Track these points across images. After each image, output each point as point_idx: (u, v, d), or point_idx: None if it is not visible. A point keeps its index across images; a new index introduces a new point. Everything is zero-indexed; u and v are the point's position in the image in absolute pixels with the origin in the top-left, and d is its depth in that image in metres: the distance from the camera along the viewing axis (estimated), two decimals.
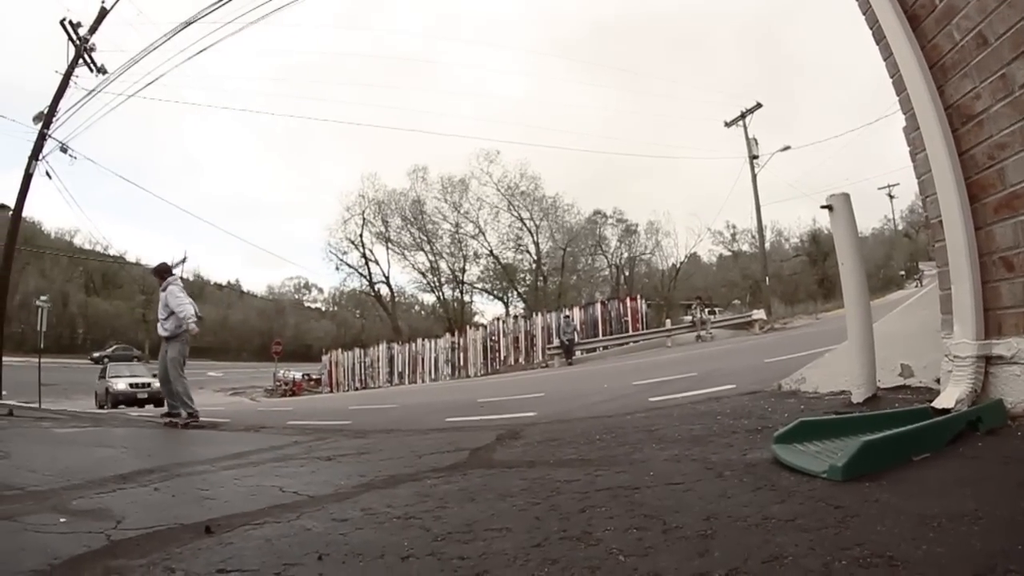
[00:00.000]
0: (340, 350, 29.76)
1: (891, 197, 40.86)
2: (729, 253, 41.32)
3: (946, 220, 2.10)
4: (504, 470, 2.60)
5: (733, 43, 64.70)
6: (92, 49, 16.00)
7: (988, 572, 1.05)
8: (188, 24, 14.19)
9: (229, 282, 70.63)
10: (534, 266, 36.65)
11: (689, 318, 23.71)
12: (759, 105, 27.23)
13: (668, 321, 21.92)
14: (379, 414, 8.05)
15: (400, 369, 26.47)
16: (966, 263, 2.01)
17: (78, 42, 15.62)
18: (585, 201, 60.32)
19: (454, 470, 2.70)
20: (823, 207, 3.04)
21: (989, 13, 1.87)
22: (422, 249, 37.19)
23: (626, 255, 35.90)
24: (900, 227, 43.14)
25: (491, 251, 36.91)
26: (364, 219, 36.96)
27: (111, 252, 54.72)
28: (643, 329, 22.51)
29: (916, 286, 26.34)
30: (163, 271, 7.72)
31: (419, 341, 26.93)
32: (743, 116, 27.44)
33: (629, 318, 23.29)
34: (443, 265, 37.38)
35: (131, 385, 19.46)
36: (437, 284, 37.56)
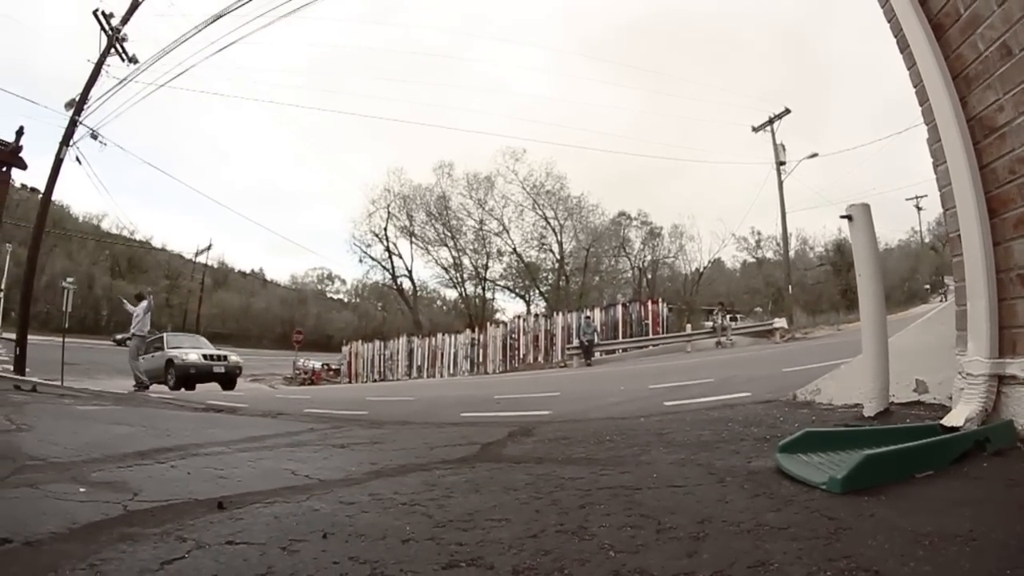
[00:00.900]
0: (360, 341, 30.11)
1: (919, 209, 39.93)
2: (753, 260, 40.80)
3: (964, 234, 2.05)
4: (512, 465, 2.63)
5: (762, 46, 63.72)
6: (124, 39, 16.43)
7: None
8: (219, 17, 14.48)
9: (253, 270, 72.19)
10: (557, 265, 36.58)
11: (710, 323, 23.48)
12: (787, 111, 26.84)
13: (689, 326, 21.70)
14: (396, 406, 8.13)
15: (419, 363, 26.71)
16: (982, 279, 1.96)
17: (110, 32, 16.04)
18: (610, 202, 59.99)
19: (463, 463, 2.75)
20: (843, 216, 2.99)
21: (1014, 23, 1.82)
22: (445, 245, 37.45)
23: (649, 258, 35.61)
24: (927, 240, 42.10)
25: (514, 249, 36.99)
26: (389, 213, 37.37)
27: (137, 237, 56.10)
28: (663, 333, 22.34)
29: (941, 300, 25.62)
30: (140, 296, 13.15)
31: (439, 336, 27.11)
32: (771, 121, 27.01)
33: (650, 321, 23.13)
34: (466, 261, 37.58)
35: (206, 357, 16.52)
36: (459, 280, 37.80)
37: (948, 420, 1.93)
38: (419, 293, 41.70)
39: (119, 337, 40.31)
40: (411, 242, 37.76)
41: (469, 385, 13.44)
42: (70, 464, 2.63)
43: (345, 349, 29.96)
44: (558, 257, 36.51)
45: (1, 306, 35.01)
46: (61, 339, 16.75)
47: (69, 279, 18.41)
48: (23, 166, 12.26)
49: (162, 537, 1.55)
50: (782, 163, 26.54)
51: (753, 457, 2.20)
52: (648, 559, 1.29)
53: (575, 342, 21.27)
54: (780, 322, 20.62)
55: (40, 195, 16.87)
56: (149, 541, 1.52)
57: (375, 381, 26.31)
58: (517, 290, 38.56)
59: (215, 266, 61.00)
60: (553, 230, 36.46)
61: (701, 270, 32.63)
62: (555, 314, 25.72)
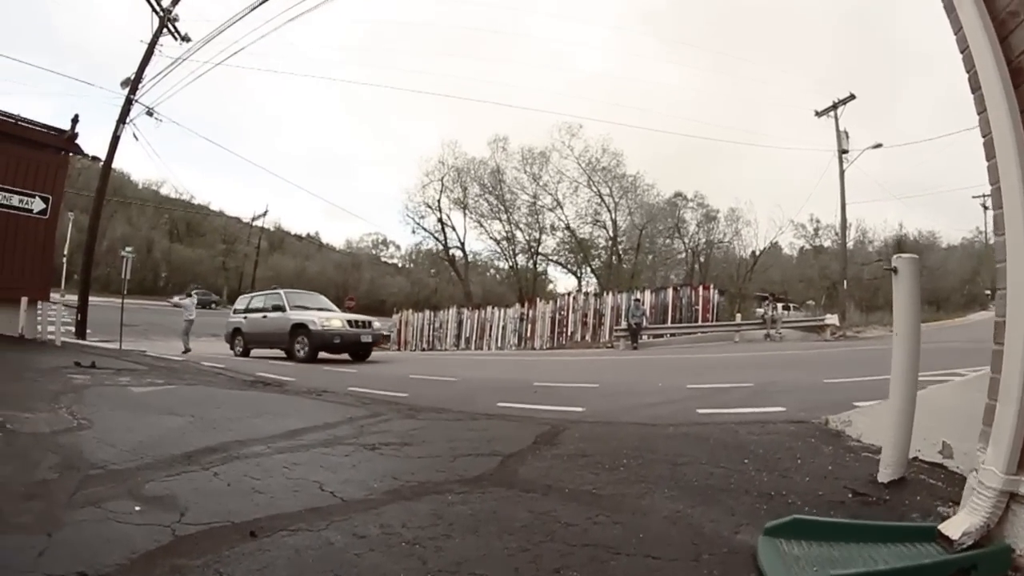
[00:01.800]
0: (411, 310, 30.65)
1: (985, 208, 36.71)
2: (810, 247, 39.12)
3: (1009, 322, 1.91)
4: (520, 494, 2.73)
5: (828, 26, 59.27)
6: (175, 19, 17.07)
7: None
8: None
9: (308, 234, 73.72)
10: (610, 243, 36.09)
11: (761, 311, 22.80)
12: (852, 96, 25.18)
13: (739, 315, 21.13)
14: (437, 387, 8.38)
15: (467, 335, 27.11)
16: (1019, 382, 1.80)
17: (161, 13, 16.67)
18: (666, 182, 58.53)
19: (476, 485, 2.89)
20: (887, 269, 2.86)
21: None
22: (498, 218, 37.39)
23: (704, 240, 34.56)
24: (991, 241, 39.03)
25: (567, 225, 36.64)
26: (443, 185, 37.43)
27: (195, 201, 58.32)
28: (713, 320, 21.84)
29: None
30: (189, 294, 17.76)
31: (489, 309, 27.41)
32: (835, 107, 25.40)
33: (700, 307, 22.63)
34: (519, 235, 37.50)
35: (352, 323, 13.16)
36: (512, 253, 37.83)
37: (946, 527, 1.82)
38: (472, 261, 42.05)
39: (175, 300, 43.33)
40: (464, 214, 37.94)
41: (512, 366, 13.62)
42: (126, 473, 2.91)
43: (396, 317, 30.56)
44: (611, 235, 35.96)
45: (65, 269, 37.96)
46: (120, 302, 17.96)
47: (128, 248, 18.93)
48: (80, 152, 13.53)
49: (203, 571, 1.79)
50: (844, 151, 24.97)
51: (744, 524, 2.20)
52: None
53: (623, 324, 21.14)
54: (832, 318, 19.82)
55: (101, 163, 17.71)
56: (193, 575, 1.77)
57: (423, 350, 26.93)
58: (569, 266, 38.40)
59: (271, 229, 62.77)
60: (608, 208, 35.86)
61: (758, 254, 31.41)
62: (605, 293, 25.53)
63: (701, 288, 23.63)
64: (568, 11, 59.99)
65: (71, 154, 12.89)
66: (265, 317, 13.92)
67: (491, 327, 26.42)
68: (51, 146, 12.28)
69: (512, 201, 36.89)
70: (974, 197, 35.54)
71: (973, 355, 6.55)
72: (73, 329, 15.87)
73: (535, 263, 37.66)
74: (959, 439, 2.72)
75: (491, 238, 38.49)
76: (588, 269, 37.22)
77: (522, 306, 26.59)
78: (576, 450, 3.71)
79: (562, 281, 42.28)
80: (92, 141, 35.60)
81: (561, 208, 36.52)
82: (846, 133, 25.17)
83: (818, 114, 26.01)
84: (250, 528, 2.14)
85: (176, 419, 4.52)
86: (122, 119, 16.94)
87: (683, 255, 35.78)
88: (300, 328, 12.74)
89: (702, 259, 33.19)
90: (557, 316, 24.92)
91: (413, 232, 41.37)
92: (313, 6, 15.37)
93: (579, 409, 5.77)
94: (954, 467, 2.71)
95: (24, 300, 11.14)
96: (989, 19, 2.00)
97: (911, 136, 59.71)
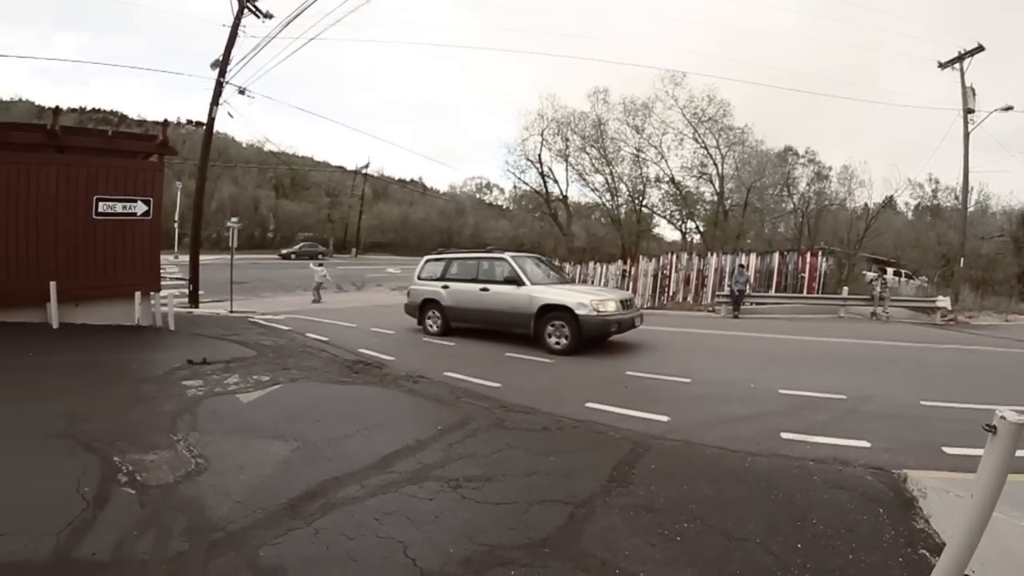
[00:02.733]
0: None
1: None
2: (927, 207, 34.72)
3: None
4: (576, 572, 2.94)
5: None
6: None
7: None
8: None
9: (412, 179, 74.45)
10: (716, 197, 34.16)
11: (869, 278, 21.02)
12: (981, 47, 21.37)
13: (845, 289, 19.65)
14: (531, 374, 8.22)
15: None
16: None
17: None
18: (774, 138, 53.23)
19: (538, 555, 3.11)
20: (985, 428, 2.29)
21: None
22: (600, 172, 36.37)
23: (814, 201, 31.64)
24: None
25: (672, 178, 35.02)
26: (543, 138, 36.75)
27: (298, 155, 59.12)
28: (819, 290, 20.63)
29: None
30: (321, 264, 22.89)
31: (591, 264, 27.48)
32: (960, 59, 21.90)
33: (806, 275, 21.37)
34: (622, 187, 36.40)
35: (624, 304, 10.25)
36: (615, 206, 36.88)
37: None
38: (576, 204, 40.99)
39: (284, 251, 46.60)
40: (567, 167, 37.18)
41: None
42: (242, 535, 3.22)
43: None
44: (717, 190, 33.98)
45: (177, 232, 42.80)
46: (229, 263, 18.97)
47: (234, 219, 19.21)
48: (174, 152, 14.87)
49: None
50: (970, 111, 21.51)
51: None
52: None
53: (726, 289, 20.58)
54: (943, 301, 18.03)
55: (203, 127, 18.69)
56: None
57: None
58: (673, 220, 36.96)
59: (376, 175, 63.25)
60: (714, 161, 33.74)
61: (872, 214, 28.32)
62: (709, 254, 24.68)
63: (808, 255, 22.15)
64: None
65: (165, 157, 13.62)
66: (486, 290, 10.85)
67: (592, 282, 26.56)
68: (145, 152, 13.14)
69: (615, 153, 35.70)
70: None
71: None
72: (187, 300, 17.37)
73: (639, 218, 36.53)
74: None
75: (593, 190, 37.65)
76: (693, 225, 35.68)
77: (624, 263, 26.30)
78: (645, 498, 3.82)
79: (667, 233, 40.88)
80: (197, 105, 37.12)
81: (665, 161, 34.94)
82: (972, 90, 21.64)
83: (941, 65, 22.50)
84: None
85: (280, 446, 4.74)
86: (215, 101, 17.74)
87: (792, 215, 33.12)
88: (554, 311, 9.78)
89: (812, 222, 30.54)
90: (660, 274, 24.51)
91: (515, 188, 41.20)
92: None
93: (664, 419, 5.75)
94: None
95: (138, 295, 12.28)
96: None
97: None
